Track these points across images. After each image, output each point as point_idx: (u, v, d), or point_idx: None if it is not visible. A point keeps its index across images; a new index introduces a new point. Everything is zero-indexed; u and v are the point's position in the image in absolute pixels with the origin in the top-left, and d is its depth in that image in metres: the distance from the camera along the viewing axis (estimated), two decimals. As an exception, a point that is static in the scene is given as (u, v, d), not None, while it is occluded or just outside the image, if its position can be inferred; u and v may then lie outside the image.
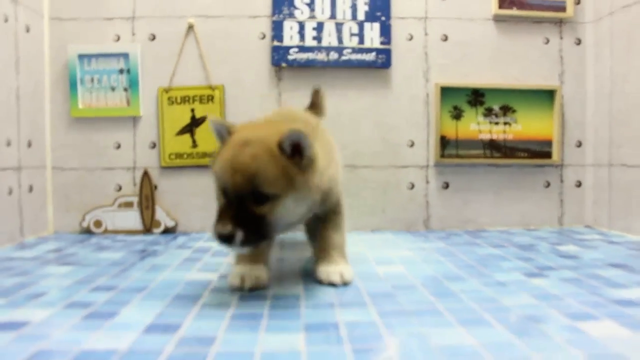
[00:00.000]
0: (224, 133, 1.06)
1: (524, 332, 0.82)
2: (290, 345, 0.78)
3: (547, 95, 1.87)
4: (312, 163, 1.02)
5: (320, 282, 1.13)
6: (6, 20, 1.57)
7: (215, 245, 1.57)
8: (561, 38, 1.88)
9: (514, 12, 1.84)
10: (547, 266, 1.28)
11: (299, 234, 1.71)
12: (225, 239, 0.95)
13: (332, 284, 1.12)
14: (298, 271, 1.26)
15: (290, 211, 1.01)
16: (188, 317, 0.90)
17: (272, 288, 1.09)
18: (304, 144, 0.99)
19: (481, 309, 0.95)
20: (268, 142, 0.99)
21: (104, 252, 1.47)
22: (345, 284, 1.12)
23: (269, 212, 0.98)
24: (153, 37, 1.80)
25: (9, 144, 1.58)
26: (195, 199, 1.81)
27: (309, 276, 1.19)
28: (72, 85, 1.78)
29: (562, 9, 1.85)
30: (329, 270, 1.14)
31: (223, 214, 0.98)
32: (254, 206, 0.98)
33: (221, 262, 1.35)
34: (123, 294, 1.04)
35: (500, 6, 1.83)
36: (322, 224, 1.20)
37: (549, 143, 1.88)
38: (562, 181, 1.91)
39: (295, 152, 1.00)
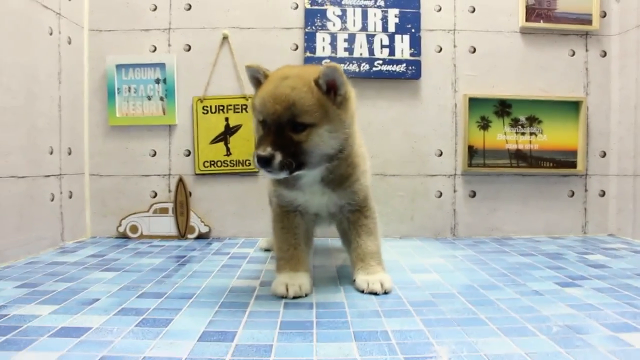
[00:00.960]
0: (260, 76, 1.16)
1: (568, 343, 0.85)
2: (345, 354, 0.81)
3: (572, 106, 1.91)
4: (346, 101, 1.12)
5: (361, 292, 1.17)
6: (51, 33, 1.63)
7: (252, 252, 1.62)
8: (587, 50, 1.91)
9: (541, 24, 1.87)
10: (578, 275, 1.31)
11: (330, 240, 1.75)
12: (265, 161, 1.04)
13: (373, 293, 1.16)
14: (336, 278, 1.30)
15: (324, 141, 1.09)
16: (240, 325, 0.94)
17: (315, 296, 1.13)
18: (339, 81, 1.09)
19: (522, 318, 0.98)
20: (306, 77, 1.09)
21: (144, 258, 1.52)
22: (386, 292, 1.16)
23: (305, 139, 1.07)
24: (188, 48, 1.85)
25: (51, 152, 1.64)
26: (228, 206, 1.86)
27: (347, 282, 1.23)
28: (110, 95, 1.83)
29: (588, 21, 1.88)
30: (369, 279, 1.18)
31: (263, 140, 1.07)
32: (291, 133, 1.07)
33: (260, 269, 1.39)
34: (172, 301, 1.09)
35: (528, 19, 1.87)
36: (354, 229, 1.24)
37: (573, 153, 1.91)
38: (586, 190, 1.94)
39: (330, 89, 1.10)
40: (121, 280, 1.26)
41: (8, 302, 1.07)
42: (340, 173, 1.18)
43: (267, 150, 1.04)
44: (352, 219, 1.24)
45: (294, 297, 1.12)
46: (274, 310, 1.03)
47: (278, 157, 1.05)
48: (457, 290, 1.18)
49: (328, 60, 1.82)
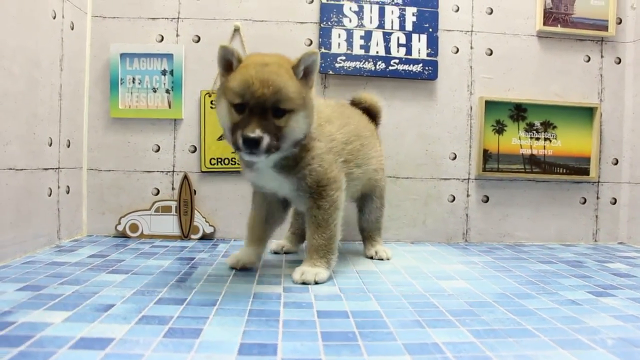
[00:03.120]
0: (234, 60, 1.15)
1: (630, 356, 0.81)
2: (404, 368, 0.75)
3: (586, 113, 1.88)
4: (313, 85, 1.20)
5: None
6: (54, 17, 1.53)
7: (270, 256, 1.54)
8: (602, 56, 1.89)
9: (558, 29, 1.85)
10: (608, 285, 1.28)
11: (358, 244, 1.69)
12: (255, 142, 1.06)
13: (304, 283, 1.21)
14: (361, 284, 1.23)
15: (299, 126, 1.15)
16: (278, 336, 0.87)
17: (346, 303, 1.07)
18: (314, 67, 1.18)
19: (571, 329, 0.94)
20: (285, 65, 1.14)
21: (150, 259, 1.43)
22: (317, 283, 1.22)
23: (285, 124, 1.12)
24: (198, 39, 1.76)
25: (50, 143, 1.53)
26: (234, 205, 1.78)
27: (376, 289, 1.17)
28: (113, 85, 1.73)
29: (605, 27, 1.86)
30: (305, 270, 1.23)
31: (249, 122, 1.08)
32: (273, 118, 1.10)
33: (278, 273, 1.32)
34: (195, 309, 1.00)
35: (545, 23, 1.84)
36: (307, 219, 1.28)
37: (586, 160, 1.89)
38: (598, 198, 1.92)
39: (304, 75, 1.17)
40: (132, 284, 1.17)
41: (13, 307, 0.97)
42: (293, 157, 1.21)
43: (256, 132, 1.07)
44: (307, 205, 1.27)
45: (241, 269, 1.32)
46: (309, 319, 0.96)
47: (266, 140, 1.08)
48: (491, 298, 1.13)
49: (344, 58, 1.76)
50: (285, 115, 1.11)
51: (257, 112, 1.09)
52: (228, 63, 1.16)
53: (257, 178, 1.28)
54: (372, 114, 1.61)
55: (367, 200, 1.56)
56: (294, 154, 1.21)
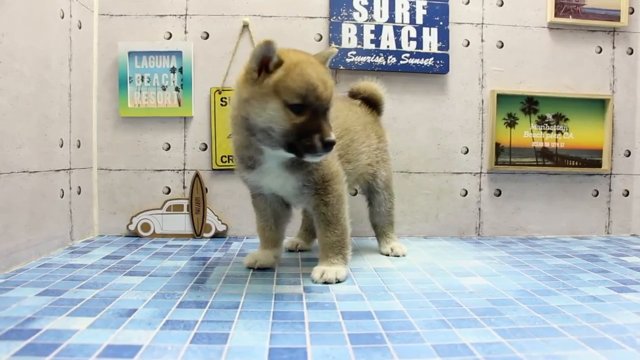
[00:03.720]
0: (275, 58, 1.10)
1: (663, 356, 0.81)
2: (438, 371, 0.75)
3: (598, 104, 1.87)
4: None
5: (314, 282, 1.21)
6: (62, 16, 1.51)
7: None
8: (614, 47, 1.88)
9: (570, 20, 1.83)
10: (628, 280, 1.27)
11: (371, 240, 1.69)
12: (332, 145, 1.08)
13: (327, 283, 1.20)
14: (380, 282, 1.23)
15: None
16: (306, 339, 0.86)
17: (369, 303, 1.06)
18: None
19: (598, 328, 0.93)
20: (321, 62, 1.17)
21: (165, 260, 1.42)
22: (338, 281, 1.22)
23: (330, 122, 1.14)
24: (206, 36, 1.74)
25: (62, 144, 1.52)
26: (246, 203, 1.74)
27: (396, 287, 1.17)
28: (122, 84, 1.72)
29: (617, 18, 1.85)
30: (325, 269, 1.22)
31: (322, 125, 1.09)
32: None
33: (296, 272, 1.32)
34: (218, 312, 0.99)
35: (556, 14, 1.82)
36: (315, 217, 1.27)
37: (598, 152, 1.88)
38: (610, 190, 1.91)
39: None
40: (152, 287, 1.16)
41: (36, 313, 0.97)
42: None
43: (332, 136, 1.08)
44: (313, 204, 1.25)
45: (258, 269, 1.32)
46: (334, 320, 0.96)
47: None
48: (512, 296, 1.13)
49: (354, 52, 1.74)
50: (328, 112, 1.14)
51: (321, 115, 1.10)
52: (266, 59, 1.10)
53: (259, 178, 1.26)
54: (372, 103, 1.58)
55: (372, 192, 1.55)
56: None
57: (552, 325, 0.94)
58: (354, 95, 1.57)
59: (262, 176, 1.24)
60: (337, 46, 1.73)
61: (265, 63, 1.10)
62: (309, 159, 1.12)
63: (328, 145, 1.08)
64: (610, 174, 1.90)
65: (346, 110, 1.44)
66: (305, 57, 1.14)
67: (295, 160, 1.19)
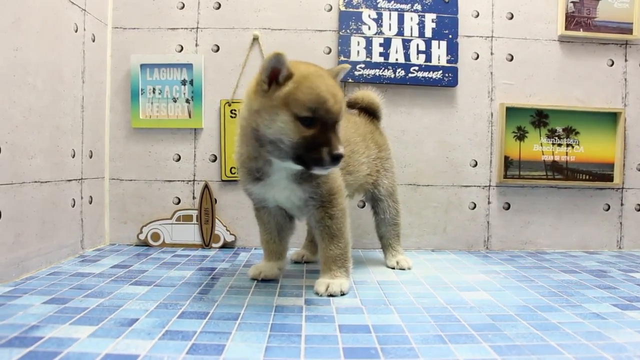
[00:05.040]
0: (284, 70, 1.10)
1: (661, 377, 0.80)
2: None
3: (610, 118, 1.85)
4: None
5: (319, 295, 1.22)
6: (76, 30, 1.55)
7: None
8: (626, 60, 1.86)
9: (580, 33, 1.82)
10: (633, 297, 1.25)
11: (378, 252, 1.69)
12: (340, 158, 1.09)
13: (331, 296, 1.21)
14: (382, 295, 1.23)
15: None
16: (300, 353, 0.87)
17: (368, 317, 1.06)
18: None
19: (596, 346, 0.92)
20: (332, 76, 1.18)
21: (172, 270, 1.44)
22: (343, 294, 1.23)
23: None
24: (217, 49, 1.77)
25: (74, 155, 1.56)
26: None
27: (398, 301, 1.16)
28: (134, 96, 1.75)
29: (629, 30, 1.83)
30: (330, 282, 1.23)
31: (331, 138, 1.10)
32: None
33: (299, 284, 1.32)
34: (218, 323, 1.01)
35: (567, 27, 1.81)
36: (319, 230, 1.27)
37: (610, 166, 1.86)
38: (622, 204, 1.88)
39: None
40: (156, 296, 1.18)
41: (40, 320, 0.99)
42: None
43: (340, 149, 1.09)
44: (317, 217, 1.25)
45: (262, 280, 1.33)
46: (331, 334, 0.96)
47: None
48: (513, 311, 1.12)
49: (363, 65, 1.75)
50: (337, 126, 1.14)
51: (331, 128, 1.11)
52: (276, 72, 1.11)
53: (264, 190, 1.26)
54: (370, 112, 1.59)
55: (375, 200, 1.56)
56: None
57: (550, 343, 0.93)
58: (351, 105, 1.58)
59: (269, 188, 1.25)
60: (345, 59, 1.74)
61: (275, 75, 1.11)
62: (317, 171, 1.14)
63: (336, 159, 1.09)
64: (622, 188, 1.88)
65: (345, 121, 1.44)
66: (315, 70, 1.15)
67: (303, 172, 1.20)
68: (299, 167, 1.16)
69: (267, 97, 1.12)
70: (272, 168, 1.21)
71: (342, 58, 1.74)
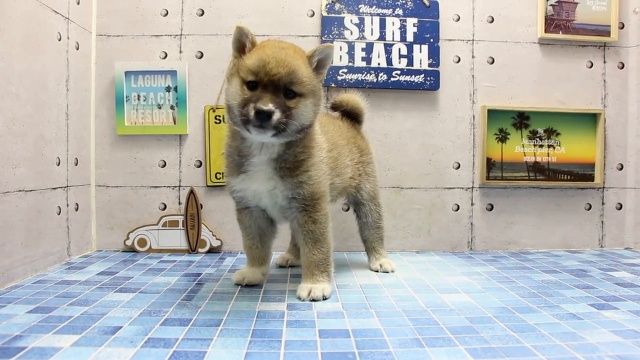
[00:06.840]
0: (247, 42, 1.18)
1: (628, 377, 0.82)
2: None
3: (590, 119, 1.88)
4: (323, 80, 1.24)
5: (301, 300, 1.24)
6: (59, 39, 1.56)
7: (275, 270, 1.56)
8: (605, 62, 1.89)
9: (560, 35, 1.85)
10: (610, 296, 1.28)
11: (362, 255, 1.70)
12: (267, 115, 1.08)
13: (313, 300, 1.23)
14: (364, 298, 1.24)
15: (307, 112, 1.17)
16: (279, 359, 0.88)
17: (348, 321, 1.08)
18: (328, 61, 1.22)
19: (569, 347, 0.94)
20: (300, 51, 1.20)
21: (158, 276, 1.45)
22: (325, 299, 1.24)
23: (294, 106, 1.14)
24: (201, 55, 1.78)
25: (58, 163, 1.56)
26: (240, 219, 1.80)
27: (379, 305, 1.18)
28: (119, 103, 1.76)
29: (607, 33, 1.86)
30: (312, 287, 1.25)
31: (261, 96, 1.11)
32: (284, 98, 1.13)
33: (283, 289, 1.34)
34: (200, 330, 1.02)
35: (547, 30, 1.84)
36: (302, 234, 1.28)
37: (591, 166, 1.89)
38: (603, 204, 1.91)
39: (317, 67, 1.21)
40: (140, 304, 1.19)
41: (24, 330, 1.00)
42: (294, 154, 1.22)
43: (269, 106, 1.09)
44: (301, 221, 1.27)
45: (246, 285, 1.35)
46: (310, 339, 0.98)
47: (277, 115, 1.10)
48: (492, 313, 1.14)
49: (345, 70, 1.77)
50: (296, 98, 1.14)
51: (270, 90, 1.12)
52: (242, 45, 1.19)
53: (247, 186, 1.26)
54: (353, 116, 1.61)
55: (357, 204, 1.58)
56: (295, 152, 1.22)
57: (525, 345, 0.95)
58: (335, 107, 1.60)
59: (252, 182, 1.25)
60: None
61: (243, 48, 1.19)
62: (254, 134, 1.14)
63: (258, 114, 1.09)
64: (603, 187, 1.91)
65: (331, 125, 1.46)
66: (276, 42, 1.19)
67: (285, 158, 1.21)
68: (267, 140, 1.17)
69: (234, 68, 1.19)
70: (250, 148, 1.23)
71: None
